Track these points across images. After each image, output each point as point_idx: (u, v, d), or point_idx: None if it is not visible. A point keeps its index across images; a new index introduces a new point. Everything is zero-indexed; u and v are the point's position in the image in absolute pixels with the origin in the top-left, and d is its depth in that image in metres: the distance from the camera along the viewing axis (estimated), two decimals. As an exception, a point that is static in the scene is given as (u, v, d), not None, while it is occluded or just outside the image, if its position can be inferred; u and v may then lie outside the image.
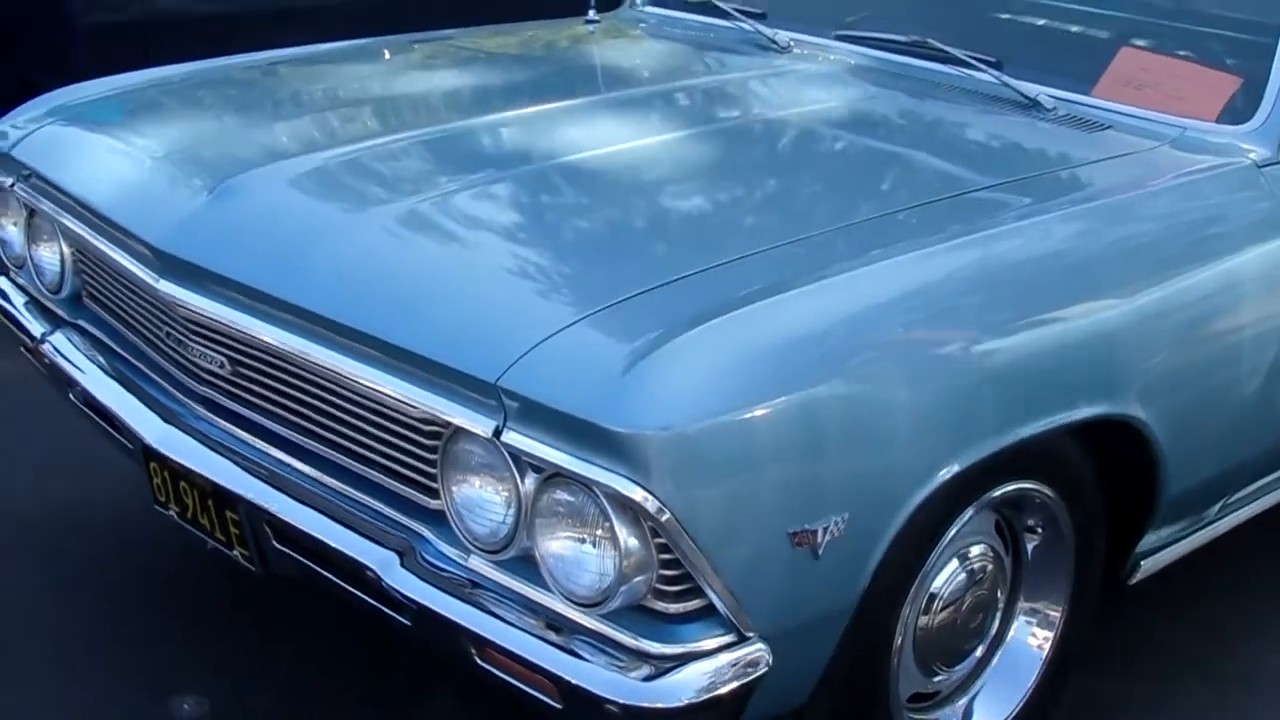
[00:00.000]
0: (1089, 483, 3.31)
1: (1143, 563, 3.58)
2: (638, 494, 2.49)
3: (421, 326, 2.82)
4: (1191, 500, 3.55)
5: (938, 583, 3.14)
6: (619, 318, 2.70)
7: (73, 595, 4.18)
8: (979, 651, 3.39)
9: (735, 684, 2.64)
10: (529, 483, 2.67)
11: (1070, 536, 3.35)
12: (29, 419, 5.04)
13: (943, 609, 3.17)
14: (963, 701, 3.39)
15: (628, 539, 2.56)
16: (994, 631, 3.39)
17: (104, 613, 4.10)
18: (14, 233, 4.05)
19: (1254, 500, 3.86)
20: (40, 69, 6.43)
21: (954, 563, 3.17)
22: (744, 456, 2.57)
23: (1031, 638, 3.45)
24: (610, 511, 2.55)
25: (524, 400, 2.59)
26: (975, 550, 3.22)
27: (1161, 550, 3.63)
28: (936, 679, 3.29)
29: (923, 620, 3.14)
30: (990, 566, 3.27)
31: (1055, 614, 3.44)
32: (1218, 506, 3.72)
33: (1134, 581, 3.61)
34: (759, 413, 2.58)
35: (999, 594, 3.35)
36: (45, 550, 4.39)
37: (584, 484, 2.57)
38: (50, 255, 3.91)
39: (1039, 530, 3.35)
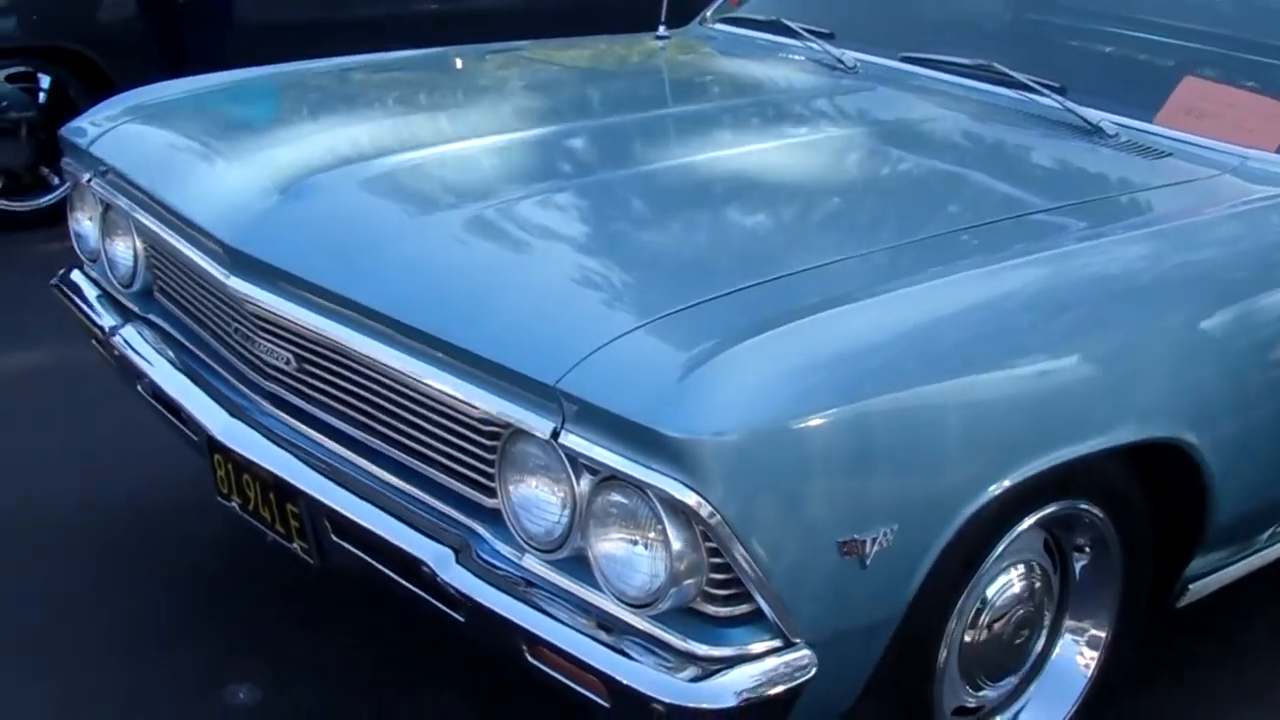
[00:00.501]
0: (1139, 505, 3.32)
1: (1191, 586, 3.59)
2: (691, 498, 2.53)
3: (484, 329, 2.87)
4: (1241, 526, 3.56)
5: (985, 597, 3.16)
6: (678, 326, 2.75)
7: (128, 586, 4.25)
8: (1024, 668, 3.40)
9: (781, 688, 2.67)
10: (584, 484, 2.72)
11: (1118, 557, 3.37)
12: (94, 410, 5.12)
13: (989, 624, 3.20)
14: (1007, 716, 3.41)
15: (679, 542, 2.61)
16: (1040, 649, 3.41)
17: (159, 603, 4.17)
18: (89, 227, 4.12)
19: (1305, 528, 3.86)
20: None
21: (1002, 578, 3.19)
22: (796, 465, 2.61)
23: (1078, 656, 3.47)
24: (663, 515, 2.60)
25: (582, 403, 2.64)
26: (1024, 567, 3.24)
27: (1211, 575, 3.63)
28: (981, 693, 3.31)
29: (969, 634, 3.16)
30: (1038, 584, 3.29)
31: (1102, 634, 3.46)
32: (1268, 534, 3.73)
33: (1182, 605, 3.61)
34: (812, 422, 2.62)
35: (1046, 612, 3.37)
36: (103, 541, 4.46)
37: (638, 487, 2.61)
38: (124, 250, 3.98)
39: (1087, 550, 3.37)
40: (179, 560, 4.37)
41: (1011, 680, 3.39)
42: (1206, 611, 3.79)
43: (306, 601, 4.13)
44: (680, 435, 2.52)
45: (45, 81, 7.45)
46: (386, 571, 3.12)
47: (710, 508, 2.53)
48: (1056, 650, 3.45)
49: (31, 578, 4.28)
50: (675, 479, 2.54)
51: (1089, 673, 3.47)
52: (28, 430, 5.19)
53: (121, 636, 4.02)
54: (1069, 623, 3.45)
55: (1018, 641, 3.31)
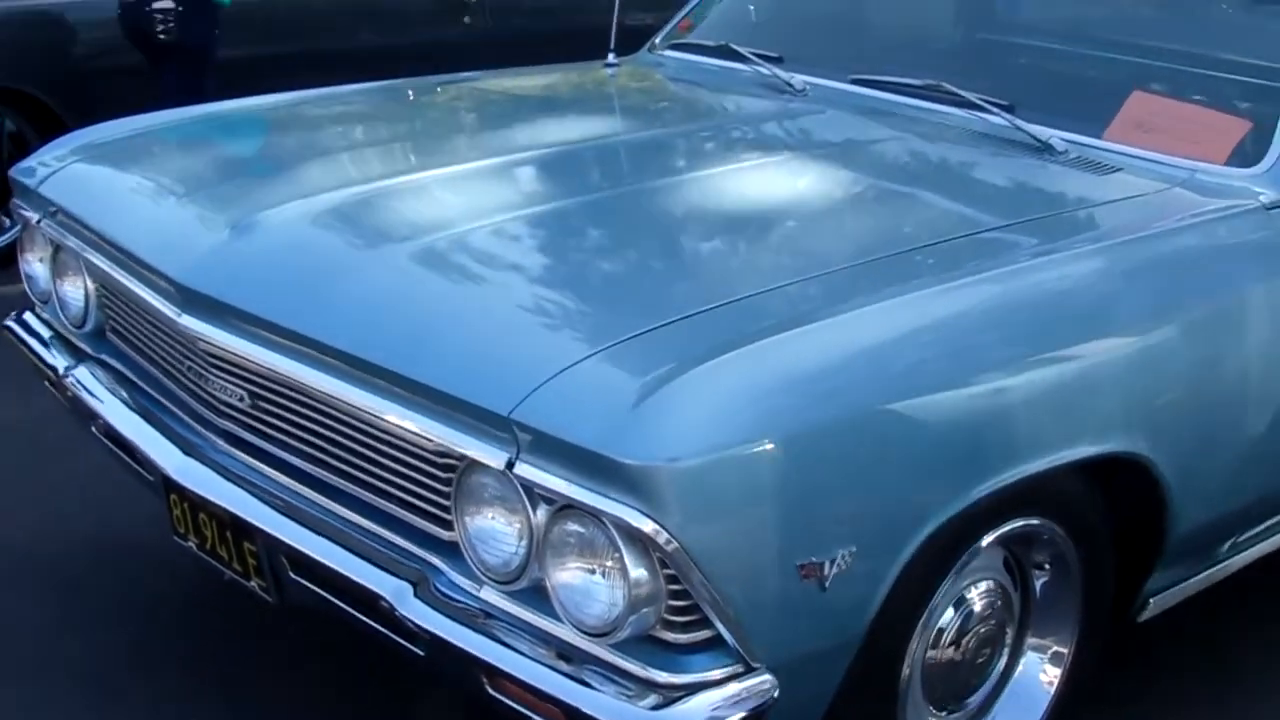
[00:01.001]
0: (1097, 521, 3.33)
1: (1152, 600, 3.59)
2: (647, 526, 2.52)
3: (436, 361, 2.86)
4: (1201, 539, 3.56)
5: (945, 617, 3.16)
6: (631, 353, 2.74)
7: (92, 625, 4.22)
8: (987, 687, 3.40)
9: (742, 713, 2.66)
10: (540, 514, 2.71)
11: (1078, 574, 3.37)
12: (52, 453, 5.09)
13: (950, 643, 3.19)
14: (971, 736, 3.41)
15: (637, 570, 2.60)
16: (1002, 667, 3.41)
17: (121, 644, 4.14)
18: (40, 268, 4.10)
19: (1264, 539, 3.85)
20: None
21: (962, 597, 3.19)
22: (752, 489, 2.61)
23: (1041, 674, 3.46)
24: (620, 543, 2.59)
25: (536, 433, 2.63)
26: (983, 585, 3.24)
27: (1171, 588, 3.64)
28: (945, 713, 3.31)
29: (931, 654, 3.16)
30: (998, 602, 3.29)
31: (1064, 650, 3.46)
32: (1227, 545, 3.74)
33: (1143, 619, 3.62)
34: (768, 446, 2.61)
35: (1007, 629, 3.37)
36: (64, 582, 4.44)
37: (594, 515, 2.60)
38: (75, 290, 3.96)
39: (1047, 567, 3.37)
40: (140, 601, 4.34)
41: (975, 699, 3.38)
42: (1169, 625, 3.79)
43: (272, 639, 4.10)
44: (635, 462, 2.51)
45: (-2, 124, 7.43)
46: (345, 607, 3.10)
47: (667, 534, 2.52)
48: (1019, 668, 3.45)
49: (-10, 620, 4.25)
50: (631, 507, 2.53)
51: (1052, 690, 3.47)
52: (-15, 474, 5.16)
53: (82, 678, 3.99)
54: (1031, 640, 3.45)
55: (980, 660, 3.31)
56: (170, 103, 4.88)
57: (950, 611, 3.17)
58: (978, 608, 3.24)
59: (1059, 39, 4.58)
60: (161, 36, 7.26)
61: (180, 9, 7.24)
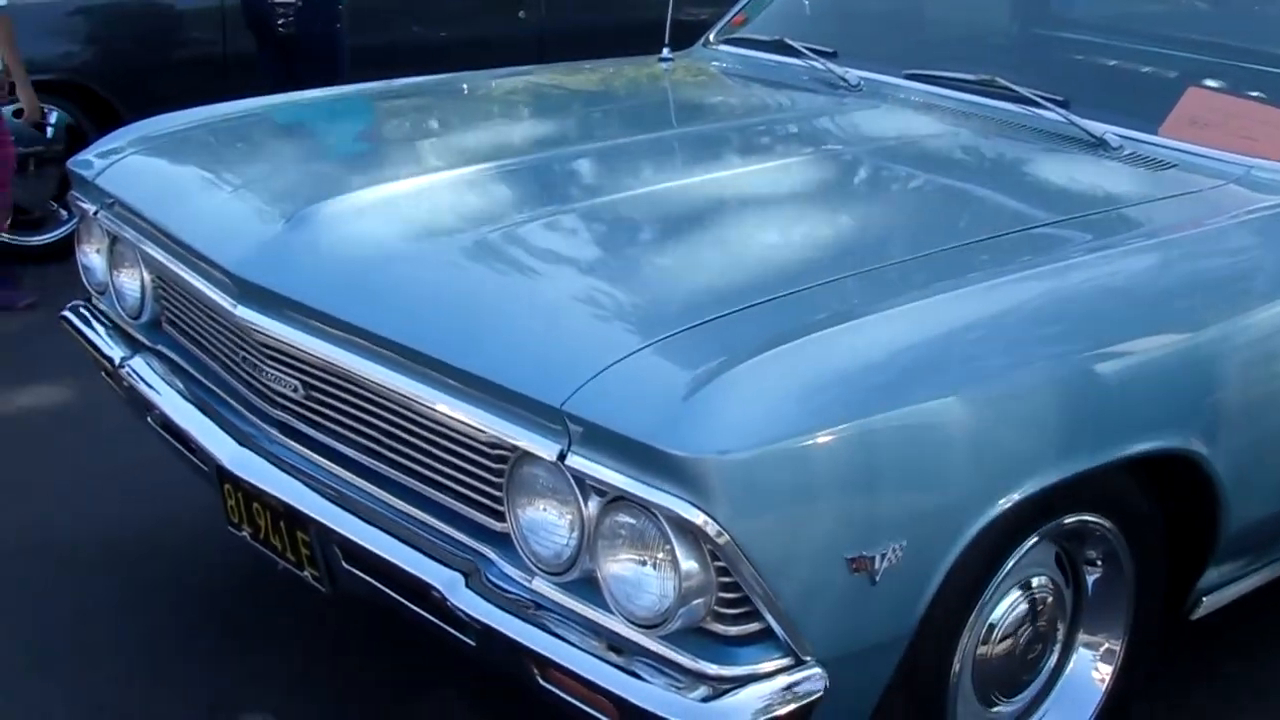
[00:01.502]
0: (1150, 517, 3.31)
1: (1205, 599, 3.57)
2: (698, 518, 2.53)
3: (489, 352, 2.87)
4: (1255, 537, 3.55)
5: (997, 613, 3.16)
6: (684, 345, 2.75)
7: (143, 613, 4.26)
8: (1039, 684, 3.39)
9: (792, 707, 2.66)
10: (592, 506, 2.71)
11: (1130, 570, 3.36)
12: (109, 441, 5.13)
13: (1002, 639, 3.19)
14: (1022, 732, 3.41)
15: (687, 562, 2.60)
16: (1054, 663, 3.40)
17: (174, 630, 4.18)
18: (97, 259, 4.14)
19: (1320, 539, 3.85)
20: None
21: (1014, 593, 3.18)
22: (803, 482, 2.61)
23: (1093, 671, 3.45)
24: (671, 535, 2.59)
25: (588, 425, 2.64)
26: (1035, 581, 3.23)
27: (1225, 587, 3.62)
28: (995, 709, 3.30)
29: (981, 650, 3.15)
30: (1050, 598, 3.29)
31: (1116, 647, 3.44)
32: (1282, 544, 3.73)
33: (1196, 617, 3.60)
34: (819, 439, 2.62)
35: (1059, 626, 3.36)
36: (119, 570, 4.48)
37: (645, 507, 2.61)
38: (131, 281, 3.99)
39: (1099, 563, 3.36)
40: (194, 587, 4.38)
41: (1026, 695, 3.38)
42: (1223, 623, 3.77)
43: (323, 627, 4.13)
44: (686, 455, 2.52)
45: (55, 116, 7.47)
46: (397, 597, 3.12)
47: (718, 527, 2.52)
48: (1070, 665, 3.44)
49: (46, 603, 4.30)
50: (682, 499, 2.53)
51: (1104, 687, 3.45)
52: (44, 462, 5.21)
53: (135, 662, 4.03)
54: (1083, 637, 3.44)
55: (1031, 657, 3.30)
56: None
57: (1001, 607, 3.17)
58: (1029, 604, 3.23)
59: (1114, 34, 4.56)
60: (281, 30, 7.30)
61: (300, 4, 7.28)
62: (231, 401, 3.62)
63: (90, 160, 4.17)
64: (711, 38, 5.21)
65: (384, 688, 3.92)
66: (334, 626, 4.12)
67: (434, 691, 3.89)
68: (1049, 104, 4.00)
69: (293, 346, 3.26)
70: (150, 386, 3.82)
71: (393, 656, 4.00)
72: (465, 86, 4.99)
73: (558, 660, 2.79)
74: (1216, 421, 3.24)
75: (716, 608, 2.66)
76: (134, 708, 3.86)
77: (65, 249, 6.40)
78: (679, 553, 2.59)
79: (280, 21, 7.28)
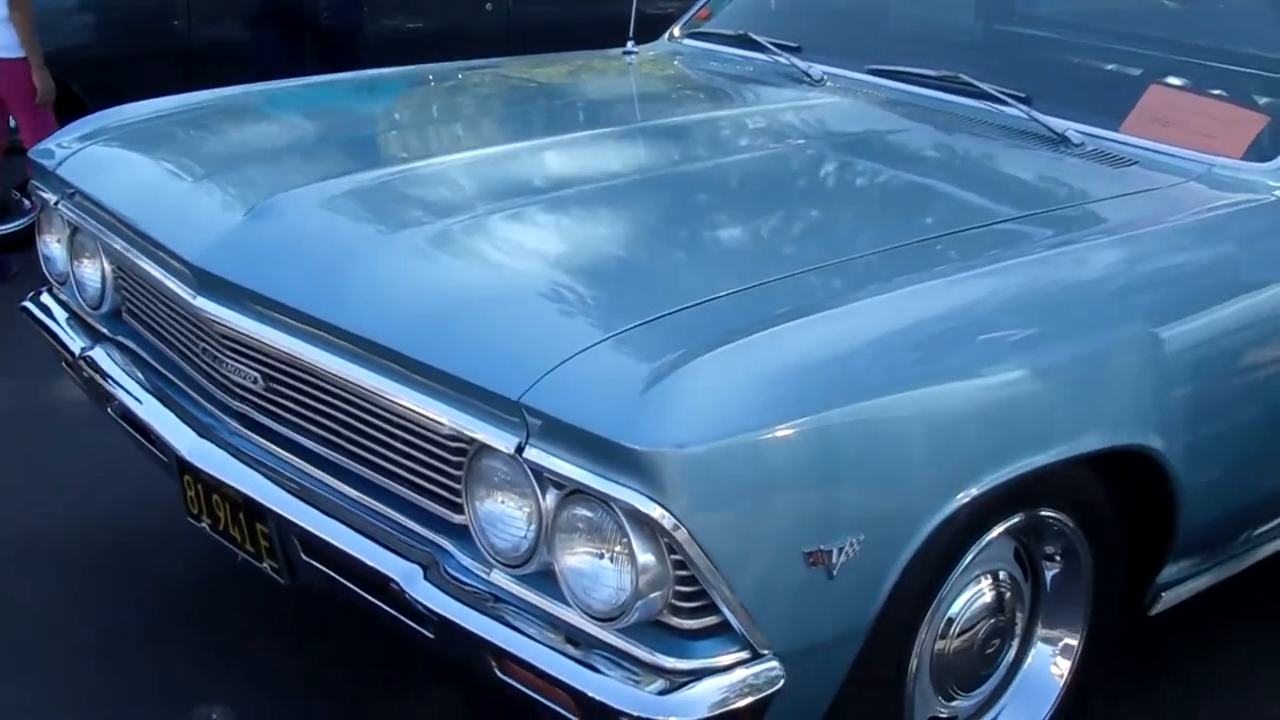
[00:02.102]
0: (1108, 512, 3.33)
1: (1164, 594, 3.59)
2: (655, 511, 2.53)
3: (449, 345, 2.87)
4: (1212, 533, 3.56)
5: (955, 607, 3.17)
6: (642, 338, 2.75)
7: (102, 605, 4.25)
8: (997, 678, 3.41)
9: (749, 700, 2.67)
10: (550, 499, 2.71)
11: (1089, 566, 3.37)
12: (69, 432, 5.11)
13: (959, 634, 3.20)
14: (979, 727, 3.42)
15: (644, 555, 2.60)
16: (1012, 658, 3.41)
17: (133, 623, 4.17)
18: (57, 249, 4.12)
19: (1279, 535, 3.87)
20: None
21: (971, 588, 3.19)
22: (760, 476, 2.61)
23: (1051, 665, 3.47)
24: (628, 528, 2.59)
25: (546, 418, 2.64)
26: (993, 577, 3.24)
27: (1184, 582, 3.64)
28: (954, 703, 3.31)
29: (939, 644, 3.16)
30: (1009, 593, 3.30)
31: (1074, 642, 3.46)
32: (1240, 540, 3.74)
33: (1154, 612, 3.62)
34: (777, 433, 2.62)
35: (1017, 621, 3.38)
36: (78, 561, 4.46)
37: (603, 500, 2.61)
38: (92, 272, 3.98)
39: (1058, 559, 3.37)
40: (154, 580, 4.37)
41: (984, 690, 3.39)
42: (1181, 618, 3.79)
43: (284, 620, 4.13)
44: (643, 448, 2.52)
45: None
46: (355, 589, 3.12)
47: (674, 520, 2.53)
48: (1029, 659, 3.45)
49: (5, 596, 4.28)
50: (639, 492, 2.54)
51: (1063, 681, 3.47)
52: (2, 453, 5.17)
53: (95, 655, 4.02)
54: (1041, 631, 3.45)
55: (989, 651, 3.31)
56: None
57: (959, 601, 3.18)
58: (987, 598, 3.24)
59: (1076, 31, 4.58)
60: (325, 20, 7.34)
61: None
62: (191, 393, 3.61)
63: (52, 150, 4.16)
64: (676, 31, 5.21)
65: (347, 681, 3.92)
66: (294, 619, 4.11)
67: (395, 683, 3.88)
68: (1011, 100, 4.00)
69: (252, 338, 3.25)
70: (110, 377, 3.80)
71: (354, 648, 3.99)
72: (430, 78, 4.99)
73: (515, 653, 2.79)
74: (1174, 418, 3.25)
75: (673, 601, 2.66)
76: (93, 698, 3.85)
77: (27, 239, 6.39)
78: (636, 546, 2.60)
79: (325, 12, 7.29)
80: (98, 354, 3.90)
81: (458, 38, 8.22)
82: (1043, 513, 3.21)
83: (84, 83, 7.48)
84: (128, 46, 7.65)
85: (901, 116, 4.20)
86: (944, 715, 3.32)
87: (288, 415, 3.29)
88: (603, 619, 2.70)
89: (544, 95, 4.78)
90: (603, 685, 2.68)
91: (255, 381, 3.31)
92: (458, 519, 2.95)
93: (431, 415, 2.86)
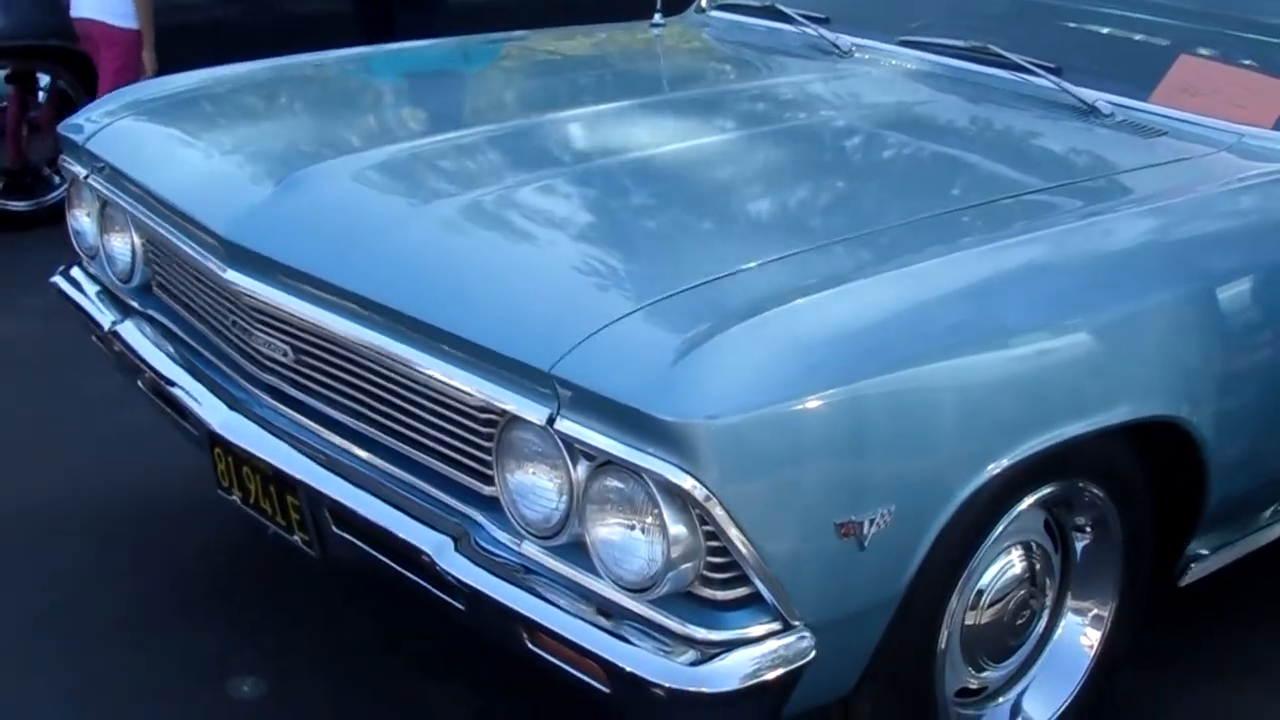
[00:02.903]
0: (1138, 483, 3.33)
1: (1193, 565, 3.59)
2: (686, 482, 2.53)
3: (479, 316, 2.87)
4: (1241, 504, 3.56)
5: (985, 578, 3.17)
6: (673, 310, 2.75)
7: (133, 579, 4.27)
8: (1027, 649, 3.41)
9: (780, 671, 2.67)
10: (581, 470, 2.72)
11: (1119, 537, 3.37)
12: (99, 405, 5.14)
13: (990, 605, 3.20)
14: (1010, 697, 3.41)
15: (676, 526, 2.60)
16: (1042, 629, 3.42)
17: (164, 596, 4.19)
18: (87, 223, 4.13)
19: (1308, 506, 3.86)
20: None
21: (1002, 559, 3.19)
22: (792, 447, 2.61)
23: (1081, 637, 3.47)
24: (659, 499, 2.60)
25: (577, 389, 2.64)
26: (1024, 548, 3.25)
27: (1214, 554, 3.63)
28: (983, 674, 3.31)
29: (970, 615, 3.16)
30: (1039, 564, 3.30)
31: (1104, 613, 3.46)
32: (1269, 511, 3.74)
33: (1184, 584, 3.61)
34: (808, 404, 2.62)
35: (1047, 592, 3.38)
36: (109, 535, 4.49)
37: (634, 471, 2.61)
38: (122, 245, 3.98)
39: (1088, 530, 3.37)
40: (184, 553, 4.39)
41: (1014, 661, 3.39)
42: (1210, 589, 3.78)
43: (313, 593, 4.14)
44: (675, 419, 2.52)
45: (44, 81, 7.45)
46: (387, 561, 3.13)
47: (706, 491, 2.53)
48: (1059, 630, 3.45)
49: (37, 568, 4.31)
50: (671, 463, 2.54)
51: (1092, 653, 3.47)
52: (33, 426, 5.21)
53: (125, 628, 4.04)
54: (1071, 603, 3.45)
55: (1019, 622, 3.32)
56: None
57: (990, 572, 3.18)
58: (1017, 569, 3.24)
59: (1106, 2, 4.55)
60: None
61: None
62: (222, 366, 3.61)
63: (81, 124, 4.16)
64: (704, 3, 5.20)
65: (378, 653, 3.93)
66: (325, 591, 4.13)
67: (428, 655, 3.90)
68: (1041, 71, 3.99)
69: (282, 310, 3.25)
70: (140, 351, 3.81)
71: (385, 621, 4.01)
72: (457, 51, 4.99)
73: (546, 624, 2.79)
74: (1204, 389, 3.25)
75: (705, 572, 2.66)
76: (125, 672, 3.86)
77: (56, 214, 6.40)
78: (667, 517, 2.60)
79: None
80: (127, 328, 3.91)
81: (484, 7, 8.20)
82: (1073, 483, 3.20)
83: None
84: (156, 21, 7.64)
85: (930, 88, 4.19)
86: (974, 685, 3.32)
87: (318, 388, 3.30)
88: (634, 590, 2.70)
89: (571, 67, 4.78)
90: (634, 656, 2.69)
91: (285, 354, 3.32)
92: (488, 491, 2.95)
93: (462, 387, 2.86)
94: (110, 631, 4.01)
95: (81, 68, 7.46)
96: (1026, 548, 3.26)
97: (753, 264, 2.91)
